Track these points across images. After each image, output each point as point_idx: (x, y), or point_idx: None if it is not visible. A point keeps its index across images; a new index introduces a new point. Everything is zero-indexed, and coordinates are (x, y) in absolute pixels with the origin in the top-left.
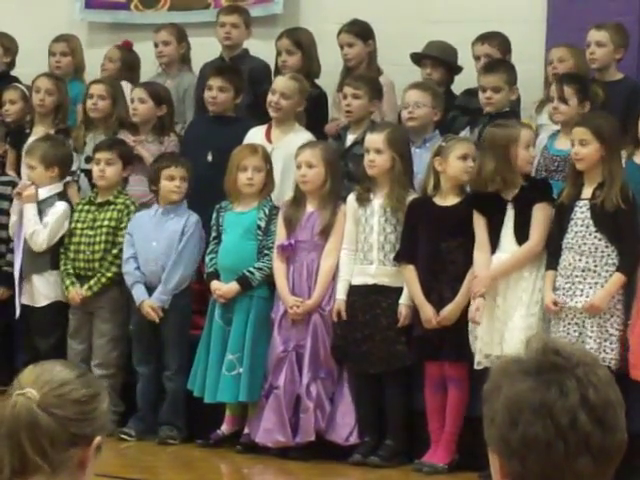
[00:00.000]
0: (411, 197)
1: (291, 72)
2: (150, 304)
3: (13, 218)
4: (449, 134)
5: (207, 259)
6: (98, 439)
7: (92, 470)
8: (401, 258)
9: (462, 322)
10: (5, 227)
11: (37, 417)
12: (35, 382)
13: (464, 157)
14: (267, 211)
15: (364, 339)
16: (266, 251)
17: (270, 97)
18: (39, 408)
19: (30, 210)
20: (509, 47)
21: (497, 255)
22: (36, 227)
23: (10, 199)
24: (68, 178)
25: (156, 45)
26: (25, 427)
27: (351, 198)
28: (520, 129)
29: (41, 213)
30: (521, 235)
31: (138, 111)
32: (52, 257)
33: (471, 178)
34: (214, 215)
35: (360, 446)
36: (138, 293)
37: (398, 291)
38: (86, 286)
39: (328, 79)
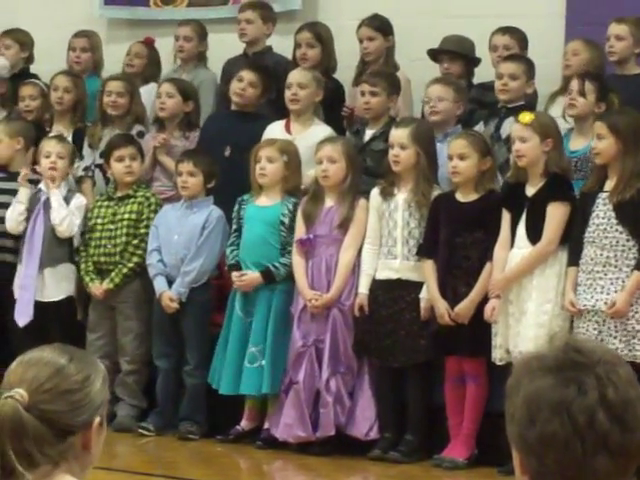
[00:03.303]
0: (436, 192)
1: (309, 65)
2: (169, 295)
3: (21, 208)
4: (466, 129)
5: (227, 251)
6: (97, 420)
7: (100, 446)
8: (422, 253)
9: (479, 318)
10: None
11: (22, 420)
12: (22, 379)
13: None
14: (291, 207)
15: (387, 333)
16: (289, 248)
17: (287, 92)
18: (27, 409)
19: (58, 197)
20: (527, 45)
21: (513, 251)
22: (66, 212)
23: None
24: (82, 173)
25: (177, 39)
26: (9, 433)
27: (375, 192)
28: None
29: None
30: (533, 233)
31: (166, 105)
32: (70, 248)
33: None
34: (236, 207)
35: (380, 441)
36: (159, 285)
37: (422, 286)
38: (107, 279)
39: (344, 75)
